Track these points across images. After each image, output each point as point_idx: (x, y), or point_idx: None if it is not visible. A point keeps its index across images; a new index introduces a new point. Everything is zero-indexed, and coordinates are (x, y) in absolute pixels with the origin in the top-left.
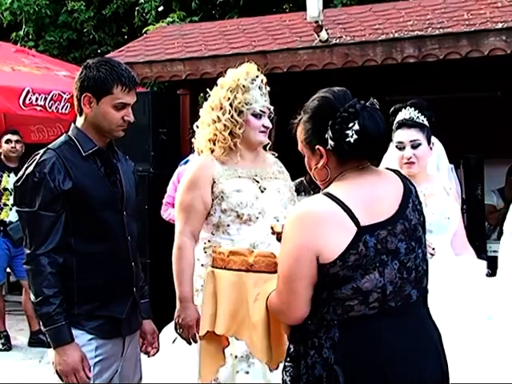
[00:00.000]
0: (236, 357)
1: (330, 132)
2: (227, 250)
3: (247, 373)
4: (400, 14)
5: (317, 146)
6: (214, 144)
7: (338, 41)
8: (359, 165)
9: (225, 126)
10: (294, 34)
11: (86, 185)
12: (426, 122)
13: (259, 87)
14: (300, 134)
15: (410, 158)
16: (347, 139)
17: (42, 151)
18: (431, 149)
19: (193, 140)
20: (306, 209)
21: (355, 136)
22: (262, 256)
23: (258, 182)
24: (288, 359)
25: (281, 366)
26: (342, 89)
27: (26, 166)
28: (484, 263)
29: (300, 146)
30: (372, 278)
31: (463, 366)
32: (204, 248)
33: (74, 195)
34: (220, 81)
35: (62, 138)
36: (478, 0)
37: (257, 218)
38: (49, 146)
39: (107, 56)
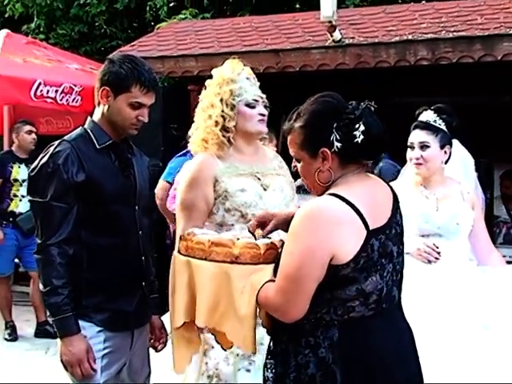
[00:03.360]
0: (238, 355)
1: (336, 134)
2: (206, 239)
3: (248, 371)
4: (414, 17)
5: (322, 149)
6: (208, 143)
7: (350, 41)
8: (358, 167)
9: (216, 122)
10: (307, 33)
11: (99, 177)
12: (442, 127)
13: (247, 78)
14: (296, 138)
15: (418, 158)
16: (355, 140)
17: (56, 142)
18: (446, 153)
19: (189, 145)
20: (321, 208)
21: (362, 136)
22: (247, 247)
23: (259, 179)
24: (269, 356)
25: None
26: (335, 93)
27: (40, 156)
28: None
29: (294, 151)
30: (374, 281)
31: (454, 373)
32: None
33: (87, 187)
34: (207, 82)
35: (77, 131)
36: (492, 5)
37: None
38: (64, 138)
39: (120, 49)
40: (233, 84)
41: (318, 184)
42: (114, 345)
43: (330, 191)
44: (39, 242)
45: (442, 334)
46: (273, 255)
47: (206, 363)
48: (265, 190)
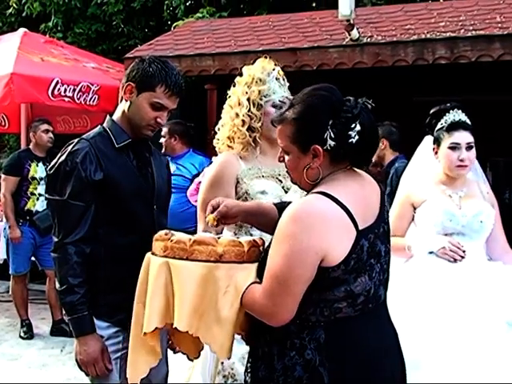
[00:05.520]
0: None
1: (330, 132)
2: (187, 238)
3: None
4: (432, 15)
5: (313, 146)
6: (233, 141)
7: (368, 40)
8: (348, 165)
9: (243, 121)
10: (325, 31)
11: (117, 176)
12: None
13: (276, 79)
14: (287, 130)
15: (464, 160)
16: (350, 140)
17: (75, 141)
18: None
19: (214, 142)
20: (310, 208)
21: (357, 137)
22: (231, 246)
23: (281, 181)
24: (251, 360)
25: None
26: (332, 86)
27: (59, 154)
28: None
29: (284, 143)
30: (363, 282)
31: (477, 370)
32: None
33: (105, 186)
34: (236, 79)
35: (96, 129)
36: (511, 3)
37: None
38: (83, 136)
39: (137, 49)
40: (262, 84)
41: (305, 180)
42: None
43: (318, 189)
44: (56, 240)
45: (467, 333)
46: (256, 253)
47: (222, 363)
48: (286, 192)
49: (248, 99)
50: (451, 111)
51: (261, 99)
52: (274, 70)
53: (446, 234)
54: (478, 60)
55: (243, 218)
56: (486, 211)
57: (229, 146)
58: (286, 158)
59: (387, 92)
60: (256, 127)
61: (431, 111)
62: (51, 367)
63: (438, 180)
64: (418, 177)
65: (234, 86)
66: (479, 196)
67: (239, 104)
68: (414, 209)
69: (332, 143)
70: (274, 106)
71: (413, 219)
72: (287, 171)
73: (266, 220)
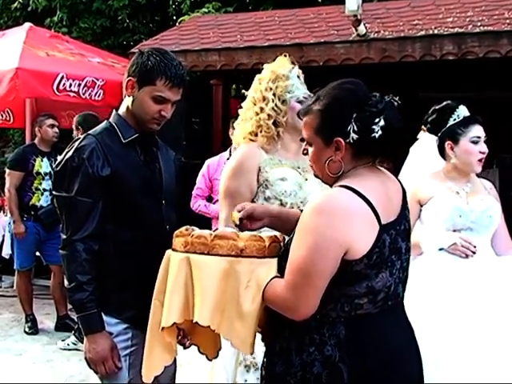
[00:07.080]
0: None
1: (354, 125)
2: (208, 233)
3: None
4: (439, 11)
5: (336, 138)
6: (256, 136)
7: (375, 35)
8: (370, 161)
9: (268, 115)
10: (331, 27)
11: (125, 172)
12: None
13: (298, 76)
14: (312, 121)
15: (485, 153)
16: (373, 134)
17: (82, 136)
18: None
19: (233, 137)
20: (334, 201)
21: (380, 132)
22: (252, 240)
23: (300, 173)
24: (267, 355)
25: None
26: (359, 81)
27: (65, 150)
28: None
29: (308, 134)
30: (384, 278)
31: (490, 367)
32: None
33: (112, 182)
34: (258, 76)
35: (103, 125)
36: None
37: (299, 207)
38: (89, 132)
39: (142, 43)
40: (286, 80)
41: (327, 173)
42: (141, 342)
43: (342, 183)
44: (64, 237)
45: (481, 329)
46: (277, 248)
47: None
48: (305, 180)
49: (274, 94)
50: (460, 107)
51: (286, 94)
52: (293, 67)
53: (454, 230)
54: (485, 56)
55: (269, 221)
56: (493, 206)
57: (251, 140)
58: (310, 149)
59: (392, 87)
60: (281, 121)
61: (435, 108)
62: (56, 363)
63: (444, 176)
64: (421, 174)
65: (255, 81)
66: (484, 191)
67: (264, 99)
68: (421, 206)
69: (355, 136)
70: (298, 101)
71: (418, 216)
72: (311, 165)
73: (292, 225)
